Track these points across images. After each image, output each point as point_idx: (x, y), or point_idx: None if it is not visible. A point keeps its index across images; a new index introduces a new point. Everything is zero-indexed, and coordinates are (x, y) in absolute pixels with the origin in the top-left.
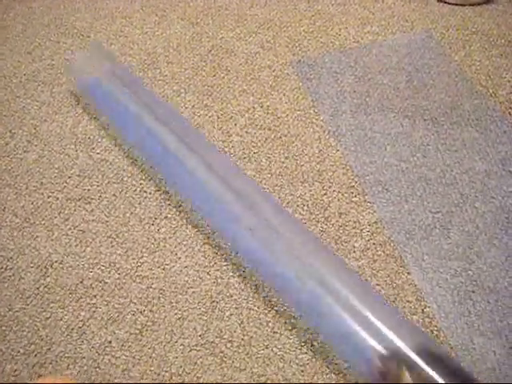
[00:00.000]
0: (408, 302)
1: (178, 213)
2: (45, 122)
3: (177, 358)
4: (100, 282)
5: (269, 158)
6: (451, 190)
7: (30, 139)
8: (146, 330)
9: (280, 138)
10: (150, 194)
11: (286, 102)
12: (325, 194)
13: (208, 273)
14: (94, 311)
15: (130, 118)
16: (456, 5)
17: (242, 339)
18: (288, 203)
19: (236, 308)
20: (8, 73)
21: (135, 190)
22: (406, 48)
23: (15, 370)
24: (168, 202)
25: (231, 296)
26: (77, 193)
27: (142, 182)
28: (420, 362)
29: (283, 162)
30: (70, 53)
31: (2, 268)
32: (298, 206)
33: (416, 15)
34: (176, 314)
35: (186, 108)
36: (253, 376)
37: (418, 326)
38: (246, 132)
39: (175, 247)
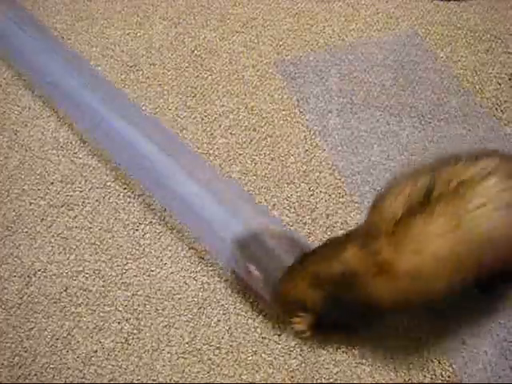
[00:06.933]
0: None
1: (162, 217)
2: (25, 127)
3: (164, 366)
4: (84, 291)
5: (254, 159)
6: None
7: (10, 145)
8: (132, 339)
9: (265, 138)
10: (134, 198)
11: (270, 103)
12: (312, 195)
13: (194, 278)
14: (79, 320)
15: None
16: (441, 0)
17: (230, 346)
18: (274, 205)
19: (224, 314)
20: None
21: (119, 195)
22: (391, 45)
23: None
24: (152, 207)
25: (218, 302)
26: (59, 199)
27: (125, 186)
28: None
29: (269, 164)
30: None
31: None
32: (284, 207)
33: (401, 12)
34: (162, 321)
35: (170, 110)
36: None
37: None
38: (231, 133)
39: (160, 253)
